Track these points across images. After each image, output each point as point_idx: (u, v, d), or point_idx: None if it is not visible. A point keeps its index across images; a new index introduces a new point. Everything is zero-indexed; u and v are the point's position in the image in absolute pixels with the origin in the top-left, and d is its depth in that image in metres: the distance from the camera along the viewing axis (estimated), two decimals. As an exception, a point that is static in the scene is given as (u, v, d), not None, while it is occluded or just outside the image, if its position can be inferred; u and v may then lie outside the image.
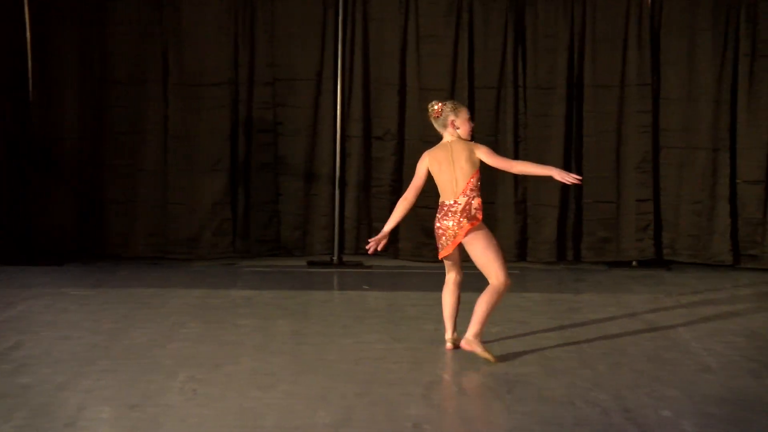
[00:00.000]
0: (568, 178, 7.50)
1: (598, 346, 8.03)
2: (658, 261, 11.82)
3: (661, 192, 11.83)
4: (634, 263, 11.78)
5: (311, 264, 11.66)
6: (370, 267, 11.59)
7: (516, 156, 11.68)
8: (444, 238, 7.61)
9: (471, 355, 7.62)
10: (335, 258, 11.73)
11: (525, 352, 7.77)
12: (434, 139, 11.72)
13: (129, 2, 11.73)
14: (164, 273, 11.12)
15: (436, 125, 7.81)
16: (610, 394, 6.69)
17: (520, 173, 9.32)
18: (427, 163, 7.73)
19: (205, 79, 11.78)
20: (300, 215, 11.99)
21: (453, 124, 7.71)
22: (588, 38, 11.80)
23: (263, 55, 11.85)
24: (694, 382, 7.06)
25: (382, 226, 11.83)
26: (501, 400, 6.60)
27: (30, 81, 11.47)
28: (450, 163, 7.63)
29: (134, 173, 11.81)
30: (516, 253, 11.82)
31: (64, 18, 11.61)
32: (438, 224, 7.65)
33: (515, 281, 10.81)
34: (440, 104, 7.77)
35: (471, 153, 7.62)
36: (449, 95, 11.73)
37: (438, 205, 7.68)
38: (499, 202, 11.85)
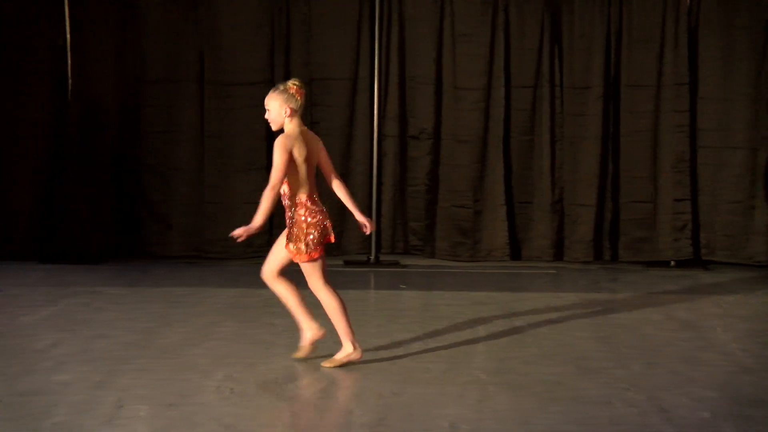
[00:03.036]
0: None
1: (634, 346, 7.98)
2: (695, 261, 11.75)
3: (699, 192, 11.76)
4: (672, 263, 11.72)
5: (347, 263, 11.67)
6: (405, 266, 11.59)
7: (552, 155, 11.72)
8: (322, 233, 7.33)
9: (506, 355, 7.60)
10: (372, 257, 11.74)
11: (560, 352, 7.74)
12: (469, 138, 11.86)
13: (164, 2, 11.78)
14: (199, 272, 11.15)
15: (299, 108, 7.35)
16: (646, 394, 6.65)
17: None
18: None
19: (241, 79, 11.80)
20: (335, 214, 11.95)
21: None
22: (624, 37, 11.74)
23: (299, 54, 11.86)
24: (732, 384, 7.01)
25: (418, 226, 12.02)
26: (537, 399, 6.58)
27: (69, 81, 11.55)
28: (315, 153, 7.50)
29: (170, 172, 11.86)
30: (552, 252, 11.82)
31: (101, 20, 11.67)
32: (319, 218, 7.44)
33: (551, 281, 10.88)
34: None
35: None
36: (485, 94, 11.73)
37: (309, 198, 7.46)
38: (536, 202, 11.84)
